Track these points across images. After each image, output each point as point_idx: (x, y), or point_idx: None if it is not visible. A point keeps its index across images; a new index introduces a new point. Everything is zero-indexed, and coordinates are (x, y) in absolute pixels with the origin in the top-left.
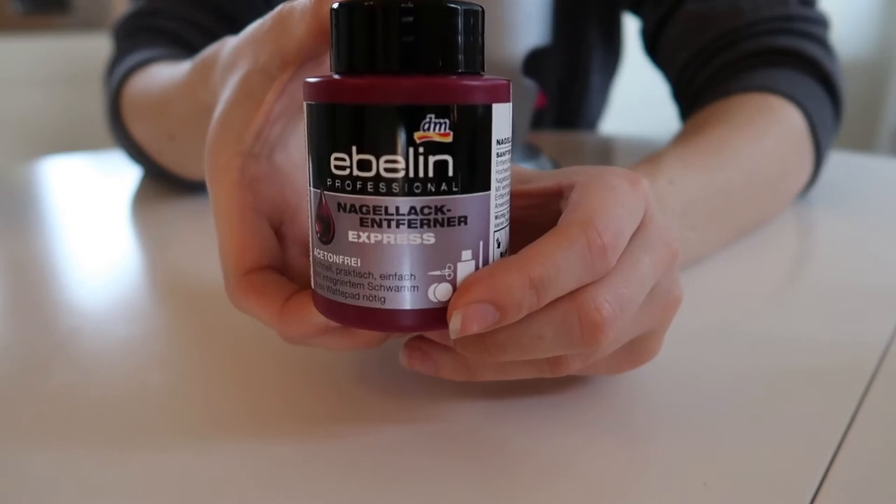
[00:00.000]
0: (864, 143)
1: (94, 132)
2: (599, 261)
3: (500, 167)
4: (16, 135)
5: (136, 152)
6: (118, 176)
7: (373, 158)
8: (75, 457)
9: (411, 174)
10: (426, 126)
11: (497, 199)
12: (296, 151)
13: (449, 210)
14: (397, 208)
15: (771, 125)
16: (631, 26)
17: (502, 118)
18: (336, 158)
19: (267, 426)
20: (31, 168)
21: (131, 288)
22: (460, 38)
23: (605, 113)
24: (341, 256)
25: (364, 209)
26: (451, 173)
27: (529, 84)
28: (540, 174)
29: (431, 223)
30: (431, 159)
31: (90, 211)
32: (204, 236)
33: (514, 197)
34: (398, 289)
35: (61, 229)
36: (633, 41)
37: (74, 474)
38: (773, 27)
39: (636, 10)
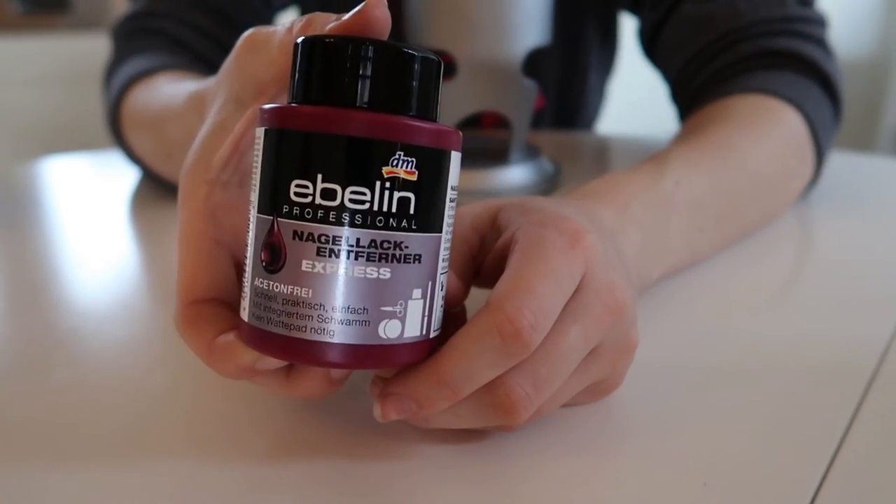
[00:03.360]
0: (864, 143)
1: (93, 132)
2: (514, 347)
3: (450, 212)
4: (16, 135)
5: (136, 161)
6: (118, 176)
7: (338, 188)
8: (74, 457)
9: (375, 207)
10: (395, 162)
11: (445, 243)
12: None
13: (406, 247)
14: (358, 240)
15: (773, 127)
16: (627, 25)
17: (456, 165)
18: (297, 185)
19: (268, 425)
20: (30, 168)
21: (131, 288)
22: (433, 85)
23: (601, 112)
24: (290, 286)
25: (323, 238)
26: (412, 211)
27: (529, 84)
28: (483, 214)
29: (389, 258)
30: (396, 195)
31: (90, 211)
32: None
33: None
34: (349, 322)
35: (61, 229)
36: (629, 40)
37: (73, 474)
38: (771, 28)
39: (634, 10)
